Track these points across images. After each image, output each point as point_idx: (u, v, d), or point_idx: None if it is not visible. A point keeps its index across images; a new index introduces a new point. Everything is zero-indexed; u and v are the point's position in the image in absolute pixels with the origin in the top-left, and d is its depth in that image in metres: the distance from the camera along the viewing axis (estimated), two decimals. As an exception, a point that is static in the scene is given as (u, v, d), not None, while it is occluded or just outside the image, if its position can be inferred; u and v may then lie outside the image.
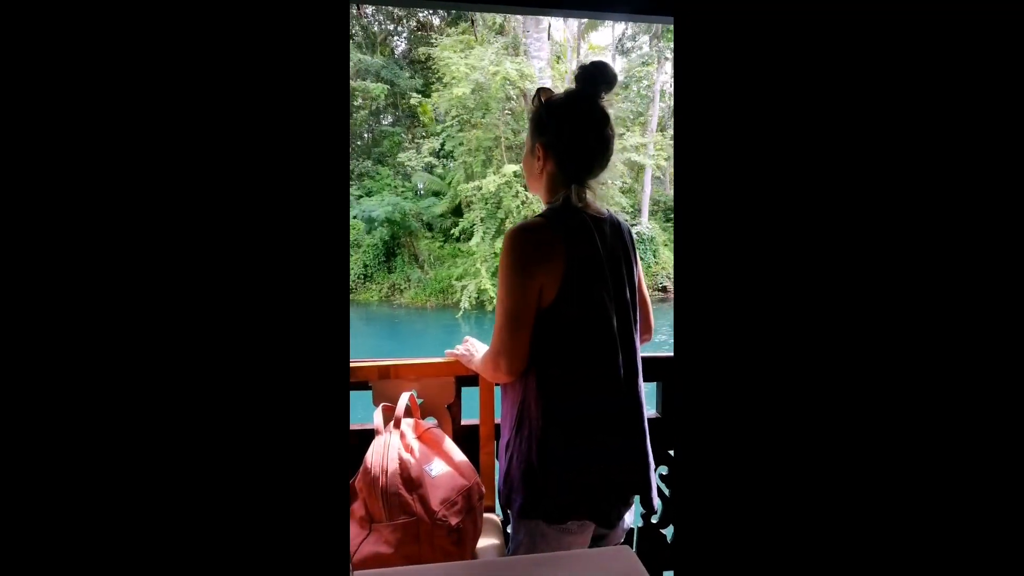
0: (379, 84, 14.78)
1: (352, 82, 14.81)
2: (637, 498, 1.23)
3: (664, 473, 1.54)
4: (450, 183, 13.63)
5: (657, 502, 1.25)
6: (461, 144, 13.11)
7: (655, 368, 1.49)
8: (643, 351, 1.30)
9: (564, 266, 1.08)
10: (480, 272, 12.09)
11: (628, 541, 1.51)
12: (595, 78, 1.15)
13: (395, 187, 14.55)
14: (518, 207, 12.22)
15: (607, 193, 10.81)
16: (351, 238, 12.86)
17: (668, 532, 1.59)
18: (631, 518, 1.25)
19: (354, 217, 13.19)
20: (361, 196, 14.15)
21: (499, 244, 11.31)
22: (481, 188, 12.26)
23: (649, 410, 1.52)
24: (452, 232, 13.28)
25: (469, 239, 12.63)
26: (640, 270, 1.26)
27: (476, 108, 12.69)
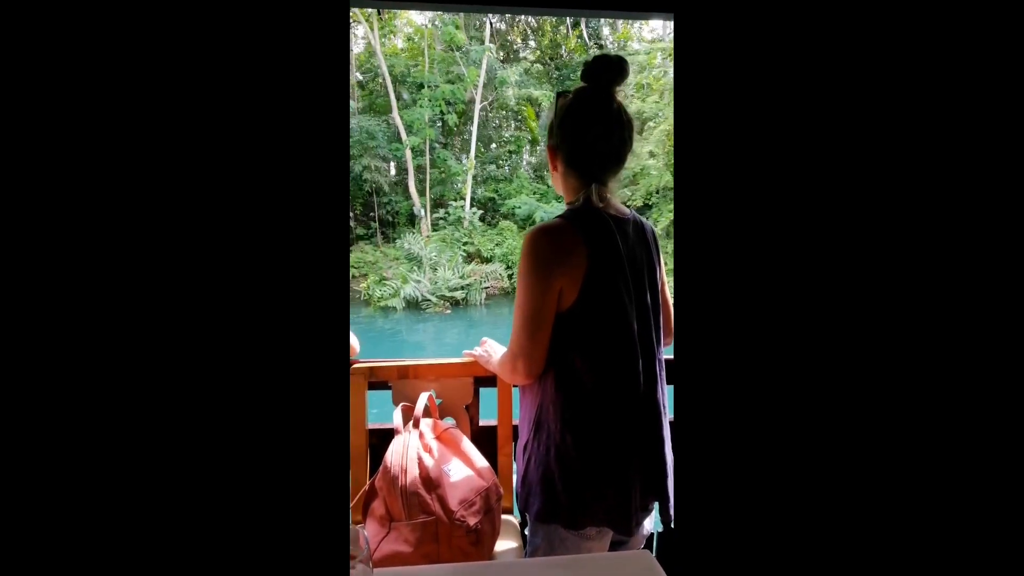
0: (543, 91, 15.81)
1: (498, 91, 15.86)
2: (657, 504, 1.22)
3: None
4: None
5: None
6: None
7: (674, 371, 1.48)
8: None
9: (585, 268, 1.07)
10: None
11: (648, 546, 1.50)
12: (599, 73, 1.13)
13: (531, 189, 15.67)
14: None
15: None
16: (506, 240, 13.98)
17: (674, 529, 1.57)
18: (651, 524, 1.23)
19: (533, 221, 14.21)
20: (495, 198, 15.36)
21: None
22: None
23: (669, 413, 1.51)
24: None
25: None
26: (663, 272, 1.25)
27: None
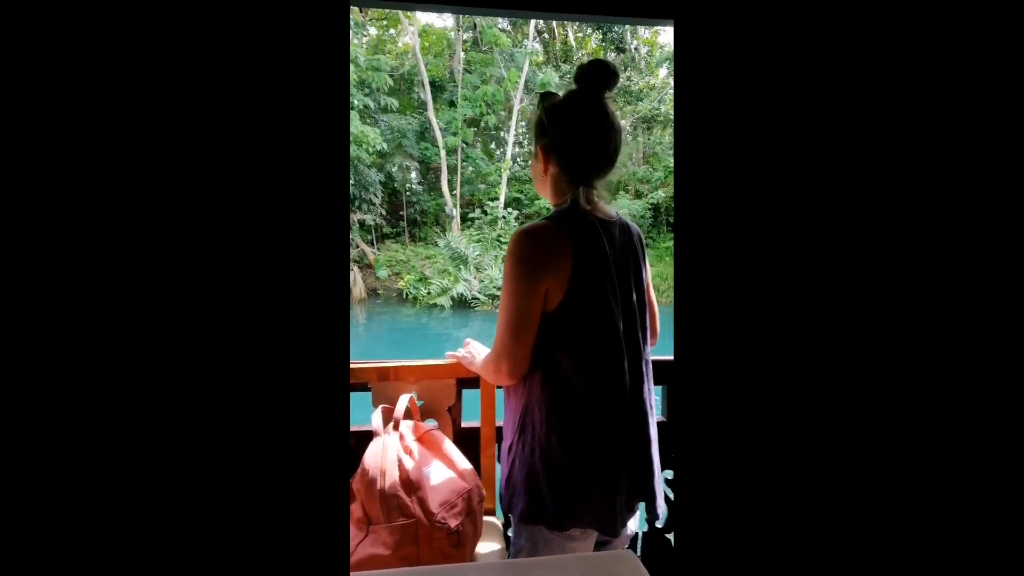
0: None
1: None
2: (643, 504, 1.20)
3: (669, 477, 1.51)
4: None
5: (663, 508, 1.21)
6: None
7: (662, 371, 1.45)
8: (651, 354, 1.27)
9: (571, 269, 1.07)
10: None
11: (633, 546, 1.48)
12: (593, 77, 1.13)
13: None
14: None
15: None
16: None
17: (673, 537, 1.55)
18: (636, 524, 1.22)
19: None
20: (521, 198, 16.18)
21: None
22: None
23: (656, 414, 1.48)
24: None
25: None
26: (648, 274, 1.24)
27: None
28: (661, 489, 1.20)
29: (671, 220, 16.85)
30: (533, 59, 16.20)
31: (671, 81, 16.52)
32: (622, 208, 15.84)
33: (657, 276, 15.74)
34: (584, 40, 17.49)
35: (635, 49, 17.39)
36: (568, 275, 1.07)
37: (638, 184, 16.97)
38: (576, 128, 1.13)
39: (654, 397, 1.23)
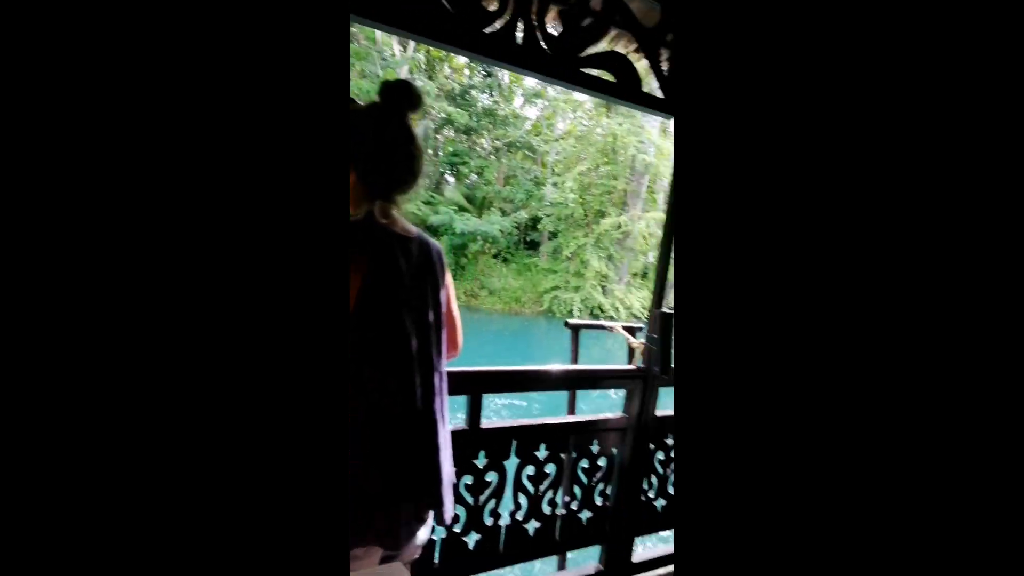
0: (457, 110, 17.32)
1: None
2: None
3: (469, 483, 1.58)
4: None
5: (452, 512, 1.23)
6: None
7: (465, 382, 1.52)
8: (455, 365, 1.33)
9: (360, 283, 1.06)
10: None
11: (430, 551, 1.54)
12: (398, 96, 1.13)
13: (459, 204, 17.34)
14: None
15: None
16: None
17: (470, 539, 1.63)
18: (427, 532, 1.24)
19: (463, 233, 16.17)
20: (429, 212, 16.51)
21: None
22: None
23: (458, 423, 1.55)
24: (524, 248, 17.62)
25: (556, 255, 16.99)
26: (450, 290, 1.27)
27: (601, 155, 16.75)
28: (450, 494, 1.23)
29: (527, 239, 17.96)
30: (413, 65, 16.15)
31: (527, 112, 18.60)
32: (494, 224, 16.51)
33: (519, 289, 16.58)
34: (450, 57, 17.84)
35: (502, 76, 18.15)
36: (358, 289, 1.06)
37: (503, 203, 17.72)
38: (378, 142, 1.12)
39: (447, 408, 1.26)
